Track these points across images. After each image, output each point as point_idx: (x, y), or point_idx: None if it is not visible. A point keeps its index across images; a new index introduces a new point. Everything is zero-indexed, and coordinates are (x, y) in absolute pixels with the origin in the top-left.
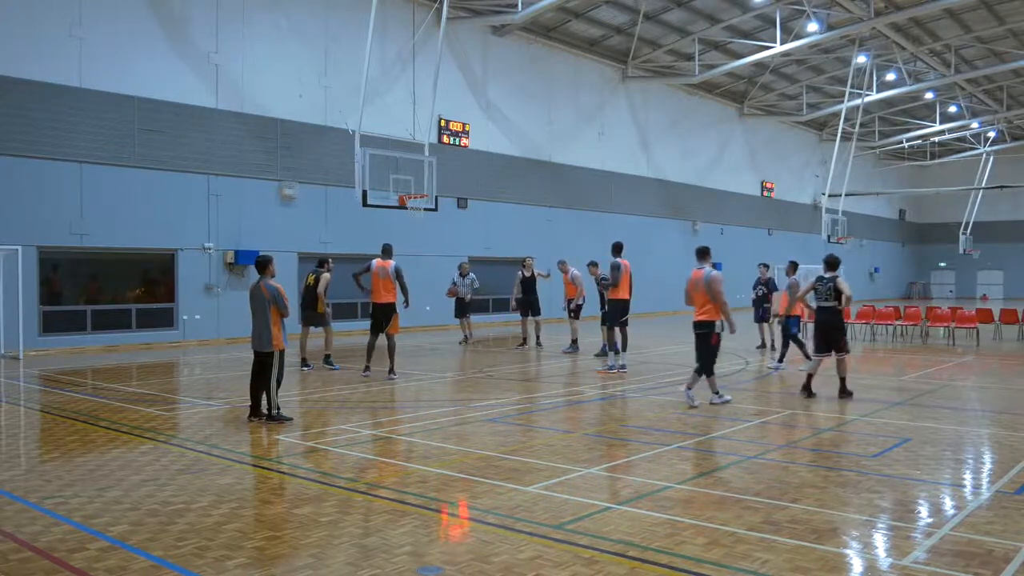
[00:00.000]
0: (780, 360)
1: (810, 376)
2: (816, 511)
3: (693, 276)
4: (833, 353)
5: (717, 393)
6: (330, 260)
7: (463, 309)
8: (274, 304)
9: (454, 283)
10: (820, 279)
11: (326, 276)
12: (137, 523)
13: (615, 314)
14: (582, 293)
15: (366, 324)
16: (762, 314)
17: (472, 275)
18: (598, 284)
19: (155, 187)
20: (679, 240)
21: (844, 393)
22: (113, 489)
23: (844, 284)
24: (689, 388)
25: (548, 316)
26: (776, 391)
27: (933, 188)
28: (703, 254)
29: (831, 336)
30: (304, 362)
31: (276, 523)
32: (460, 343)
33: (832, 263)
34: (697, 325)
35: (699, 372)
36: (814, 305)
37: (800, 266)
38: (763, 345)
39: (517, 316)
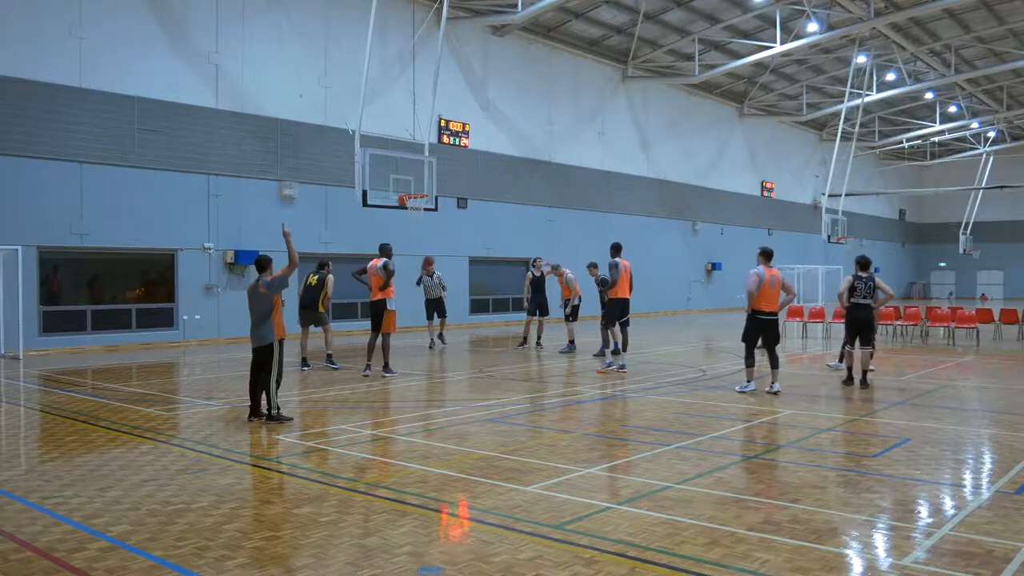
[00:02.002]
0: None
1: (850, 368)
2: (816, 511)
3: (769, 274)
4: (859, 347)
5: (750, 382)
6: (330, 263)
7: (435, 310)
8: (275, 289)
9: (423, 283)
10: (858, 278)
11: (331, 278)
12: (137, 523)
13: (614, 314)
14: (578, 293)
15: (366, 324)
16: None
17: (439, 274)
18: (598, 285)
19: (155, 187)
20: (679, 240)
21: (864, 384)
22: (113, 489)
23: (884, 284)
24: (775, 382)
25: (551, 316)
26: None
27: (933, 188)
28: (772, 255)
29: (863, 331)
30: (304, 362)
31: (276, 523)
32: (437, 343)
33: (866, 264)
34: (774, 315)
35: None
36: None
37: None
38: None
39: (518, 316)
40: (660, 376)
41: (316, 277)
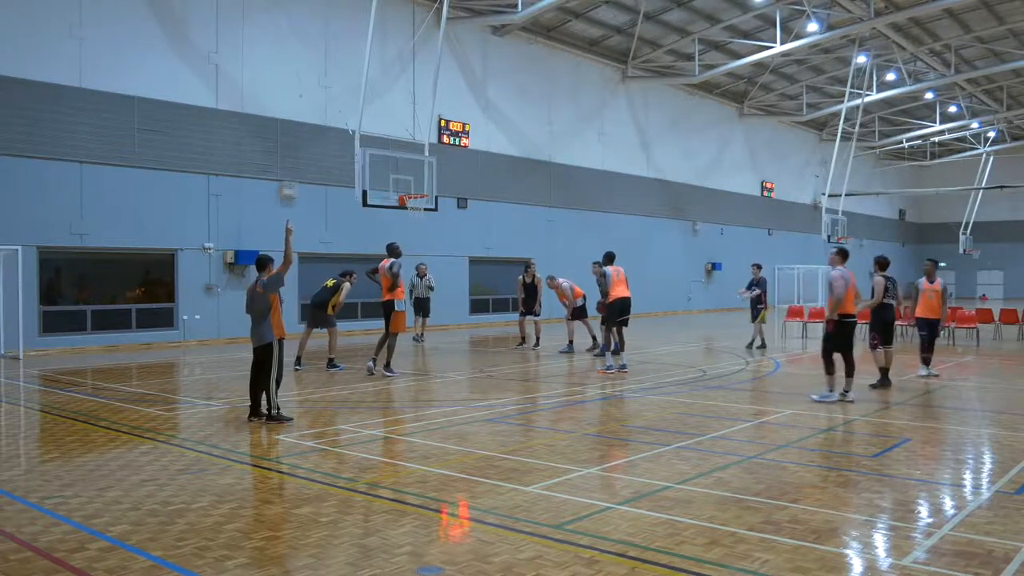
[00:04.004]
0: (927, 364)
1: (882, 368)
2: (816, 511)
3: (852, 276)
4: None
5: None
6: (355, 275)
7: (421, 308)
8: (272, 288)
9: (412, 283)
10: (888, 279)
11: (347, 287)
12: (137, 523)
13: (613, 314)
14: (578, 295)
15: (367, 324)
16: (757, 314)
17: (430, 276)
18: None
19: (155, 187)
20: (679, 240)
21: (887, 382)
22: (113, 489)
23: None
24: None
25: (548, 317)
26: (776, 391)
27: (933, 188)
28: (848, 255)
29: (888, 330)
30: (298, 361)
31: (276, 523)
32: (416, 340)
33: (885, 264)
34: (853, 318)
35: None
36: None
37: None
38: (762, 345)
39: (517, 316)
40: (660, 376)
41: (334, 282)
